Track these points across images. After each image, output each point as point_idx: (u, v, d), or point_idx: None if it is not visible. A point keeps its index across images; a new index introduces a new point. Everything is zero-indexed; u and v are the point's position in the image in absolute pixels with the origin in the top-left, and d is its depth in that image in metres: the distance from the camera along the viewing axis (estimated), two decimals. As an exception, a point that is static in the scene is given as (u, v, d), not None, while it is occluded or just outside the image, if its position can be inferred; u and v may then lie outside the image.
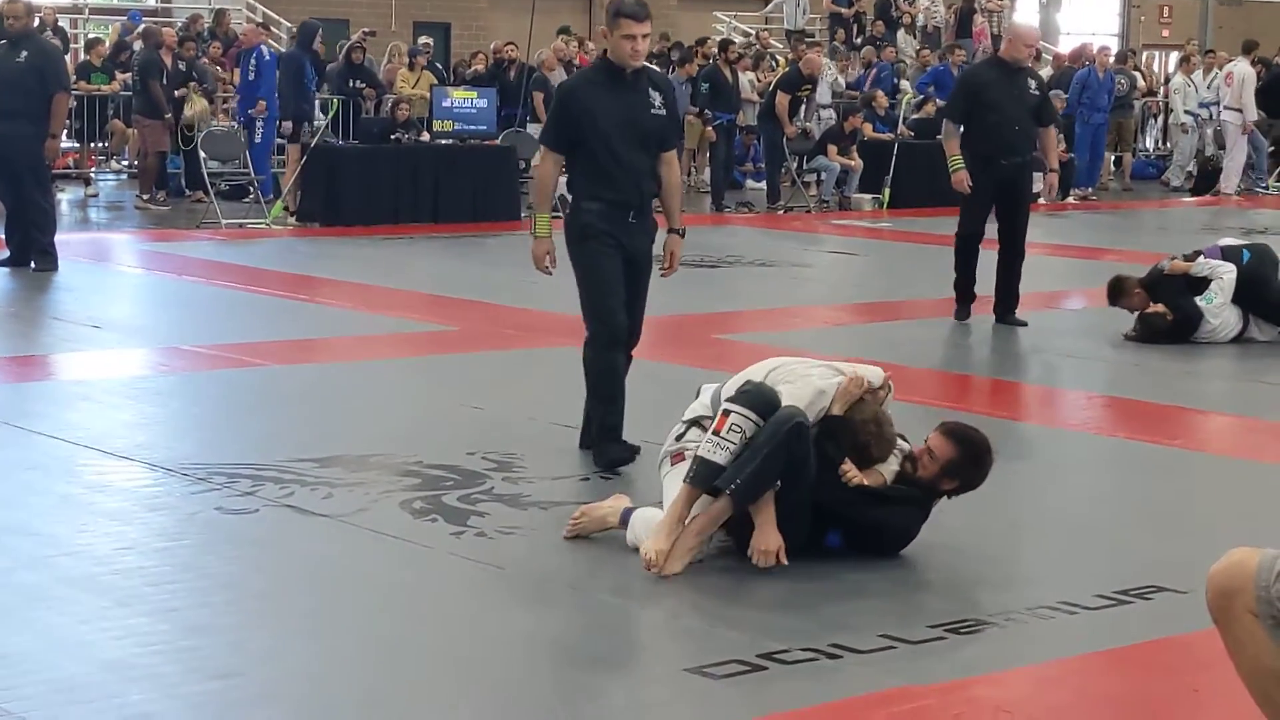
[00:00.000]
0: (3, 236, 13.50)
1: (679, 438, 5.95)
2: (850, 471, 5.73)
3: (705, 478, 5.58)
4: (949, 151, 11.17)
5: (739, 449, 5.55)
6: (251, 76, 18.59)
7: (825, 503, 5.71)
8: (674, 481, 5.77)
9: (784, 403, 5.66)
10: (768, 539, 5.59)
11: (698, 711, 4.42)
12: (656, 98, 7.06)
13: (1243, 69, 23.02)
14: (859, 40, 27.23)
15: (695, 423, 5.94)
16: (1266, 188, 23.81)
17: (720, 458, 5.56)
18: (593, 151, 6.98)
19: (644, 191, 7.10)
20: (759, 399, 5.67)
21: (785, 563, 5.57)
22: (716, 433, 5.59)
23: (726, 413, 5.62)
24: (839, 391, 5.80)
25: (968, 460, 5.83)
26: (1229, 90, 22.96)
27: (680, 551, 5.59)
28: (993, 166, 11.01)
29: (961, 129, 11.13)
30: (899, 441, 5.91)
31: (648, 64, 7.16)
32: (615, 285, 7.03)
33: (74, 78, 19.43)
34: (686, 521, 5.63)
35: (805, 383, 5.80)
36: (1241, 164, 23.16)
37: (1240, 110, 22.80)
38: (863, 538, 5.79)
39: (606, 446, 7.05)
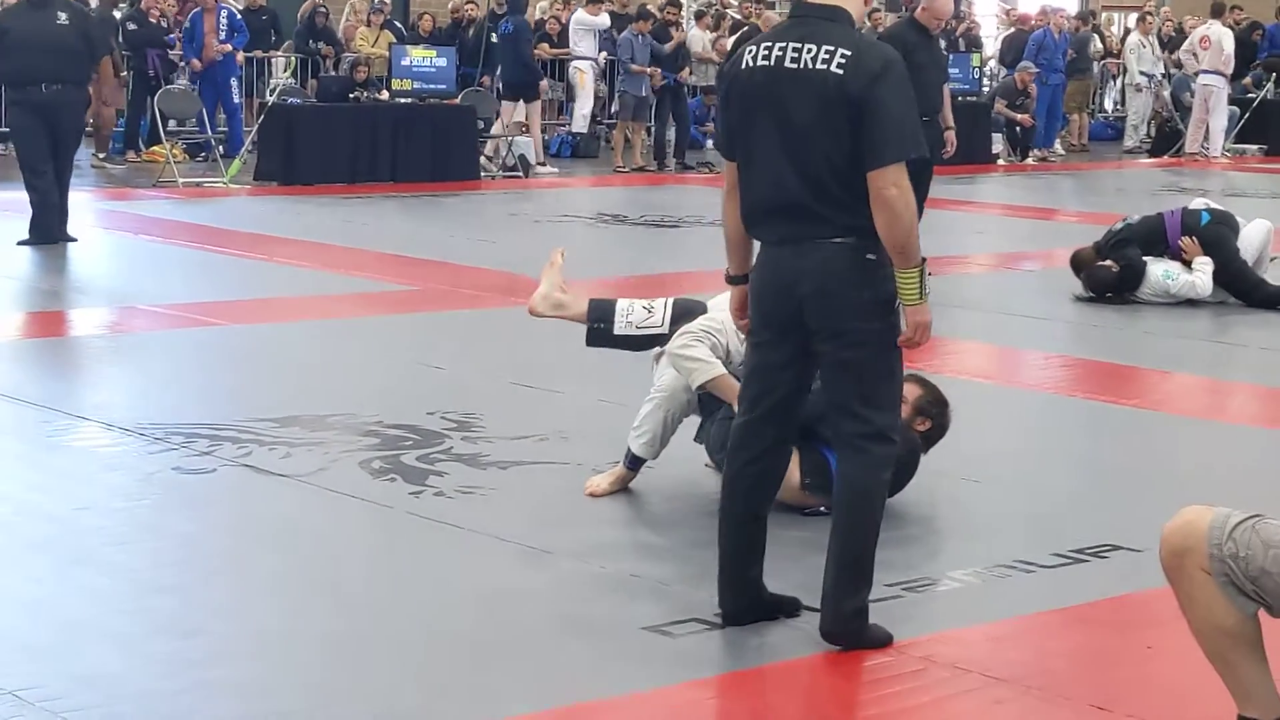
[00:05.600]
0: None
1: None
2: None
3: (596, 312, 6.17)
4: None
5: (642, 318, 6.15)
6: (223, 35, 18.73)
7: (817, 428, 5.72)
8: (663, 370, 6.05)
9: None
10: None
11: (657, 670, 4.43)
12: None
13: (1218, 30, 23.00)
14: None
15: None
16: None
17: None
18: None
19: None
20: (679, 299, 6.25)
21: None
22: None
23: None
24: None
25: (935, 398, 5.99)
26: (1205, 53, 22.93)
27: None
28: None
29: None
30: None
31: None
32: None
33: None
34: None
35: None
36: (1223, 126, 23.12)
37: (1219, 73, 22.78)
38: None
39: None
